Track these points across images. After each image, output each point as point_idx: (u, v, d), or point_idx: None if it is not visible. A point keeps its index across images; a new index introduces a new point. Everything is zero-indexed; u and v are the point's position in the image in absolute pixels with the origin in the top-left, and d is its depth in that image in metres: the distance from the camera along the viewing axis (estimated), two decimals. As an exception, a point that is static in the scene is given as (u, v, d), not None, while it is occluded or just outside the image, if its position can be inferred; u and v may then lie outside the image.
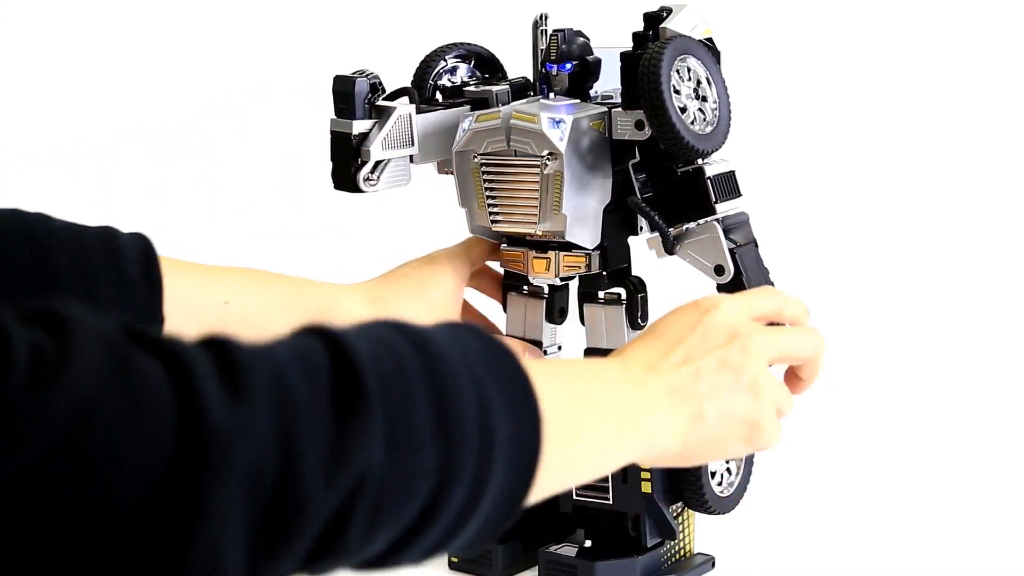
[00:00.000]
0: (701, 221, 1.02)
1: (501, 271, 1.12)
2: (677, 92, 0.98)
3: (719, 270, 1.01)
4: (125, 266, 0.90)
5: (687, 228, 1.02)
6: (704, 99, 1.01)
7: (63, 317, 0.53)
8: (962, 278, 1.68)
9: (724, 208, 1.02)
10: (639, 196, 1.03)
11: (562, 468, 0.72)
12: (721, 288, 1.01)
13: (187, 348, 0.55)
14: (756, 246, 1.03)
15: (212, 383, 0.54)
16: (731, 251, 1.01)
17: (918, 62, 1.83)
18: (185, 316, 0.93)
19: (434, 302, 1.05)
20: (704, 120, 1.00)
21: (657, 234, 1.03)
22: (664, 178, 1.03)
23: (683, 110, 0.99)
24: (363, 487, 0.58)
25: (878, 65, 1.84)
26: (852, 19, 1.86)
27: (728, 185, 1.02)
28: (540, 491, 0.69)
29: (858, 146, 1.80)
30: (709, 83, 1.01)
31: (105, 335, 0.53)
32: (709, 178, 1.01)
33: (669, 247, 1.02)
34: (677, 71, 0.99)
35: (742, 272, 1.01)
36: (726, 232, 1.01)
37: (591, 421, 0.74)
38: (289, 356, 0.59)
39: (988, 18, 1.83)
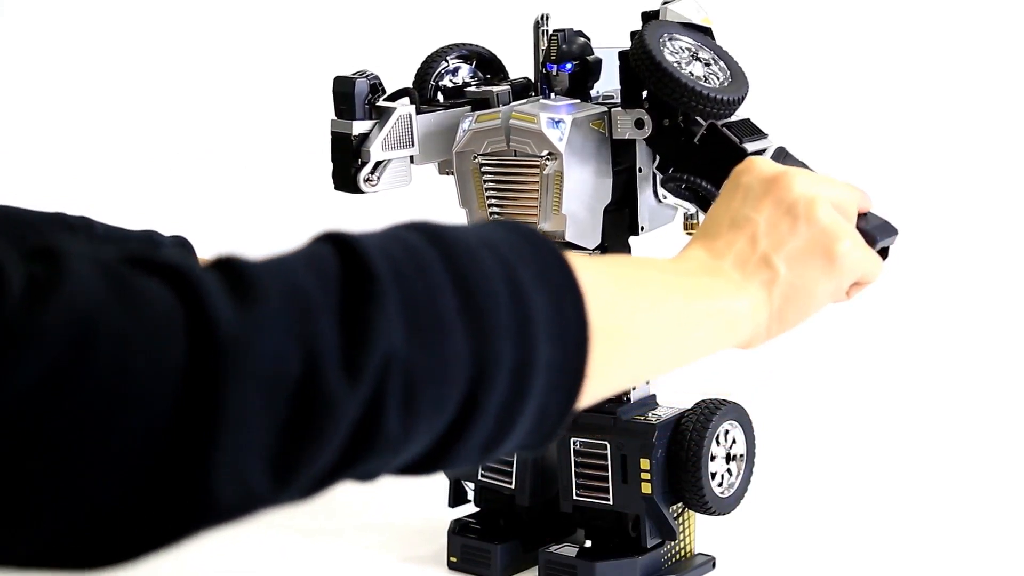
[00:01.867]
0: None
1: None
2: (677, 64, 0.98)
3: None
4: None
5: None
6: (707, 64, 1.00)
7: (57, 248, 0.52)
8: (962, 278, 1.68)
9: (752, 147, 0.99)
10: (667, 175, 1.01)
11: (624, 348, 0.69)
12: None
13: (192, 265, 0.55)
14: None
15: (219, 292, 0.54)
16: None
17: (918, 61, 1.83)
18: None
19: None
20: (718, 79, 0.99)
21: (701, 209, 1.00)
22: (685, 157, 1.01)
23: (691, 75, 0.98)
24: (388, 374, 0.56)
25: (878, 64, 1.84)
26: (853, 16, 1.86)
27: (747, 127, 1.00)
28: (604, 374, 0.66)
29: (858, 144, 1.80)
30: (702, 48, 1.01)
31: (101, 260, 0.53)
32: (724, 126, 0.99)
33: None
34: (667, 47, 0.99)
35: None
36: None
37: (650, 300, 0.72)
38: (297, 259, 0.58)
39: (988, 18, 1.83)
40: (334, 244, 0.59)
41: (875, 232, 0.94)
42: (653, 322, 0.71)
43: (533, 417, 0.62)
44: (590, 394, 0.65)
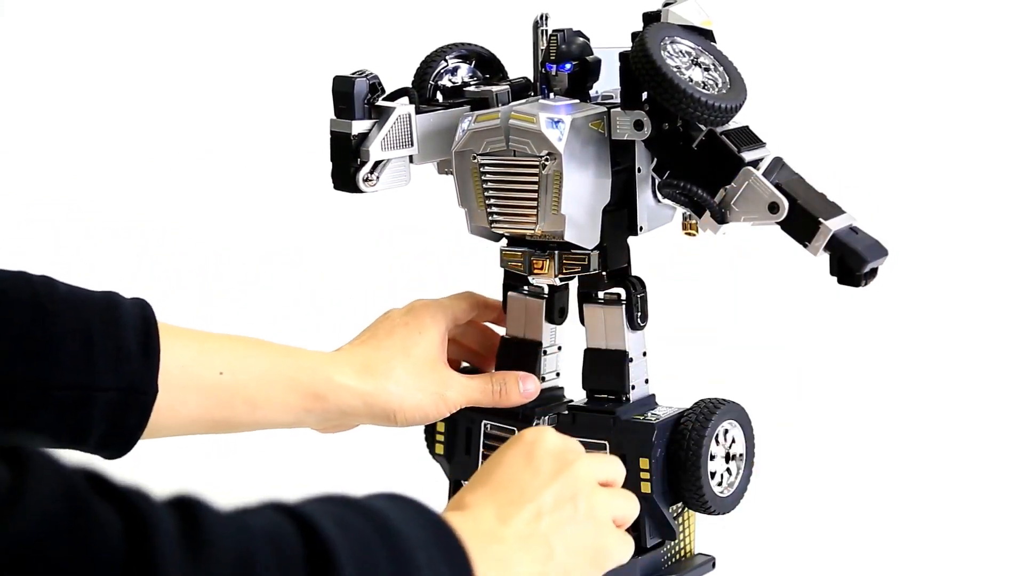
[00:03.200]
0: (736, 178, 0.98)
1: (491, 325, 1.14)
2: (676, 68, 0.98)
3: (773, 208, 0.97)
4: (124, 336, 0.92)
5: (726, 190, 0.99)
6: (707, 69, 1.00)
7: (26, 455, 0.52)
8: (962, 280, 1.68)
9: (750, 155, 0.99)
10: (665, 181, 1.02)
11: None
12: (786, 224, 0.97)
13: (151, 502, 0.54)
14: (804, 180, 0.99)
15: (170, 543, 0.53)
16: (777, 186, 0.97)
17: (918, 69, 1.83)
18: (181, 385, 0.96)
19: (420, 360, 1.05)
20: (716, 85, 0.99)
21: (695, 215, 1.01)
22: (683, 161, 1.01)
23: (689, 80, 0.98)
24: None
25: (878, 72, 1.84)
26: (852, 24, 1.86)
27: (745, 136, 1.00)
28: None
29: (855, 153, 1.80)
30: (703, 53, 1.01)
31: (66, 478, 0.52)
32: (723, 133, 0.99)
33: (719, 215, 0.99)
34: (667, 50, 0.99)
35: (796, 200, 0.97)
36: (765, 175, 0.98)
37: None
38: (258, 527, 0.58)
39: (989, 17, 1.83)
40: (295, 523, 0.60)
41: (865, 253, 0.94)
42: None
43: None
44: None
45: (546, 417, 1.12)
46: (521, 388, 1.09)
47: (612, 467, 0.93)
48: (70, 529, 0.50)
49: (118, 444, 0.94)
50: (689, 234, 1.07)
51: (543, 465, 0.86)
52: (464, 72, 1.12)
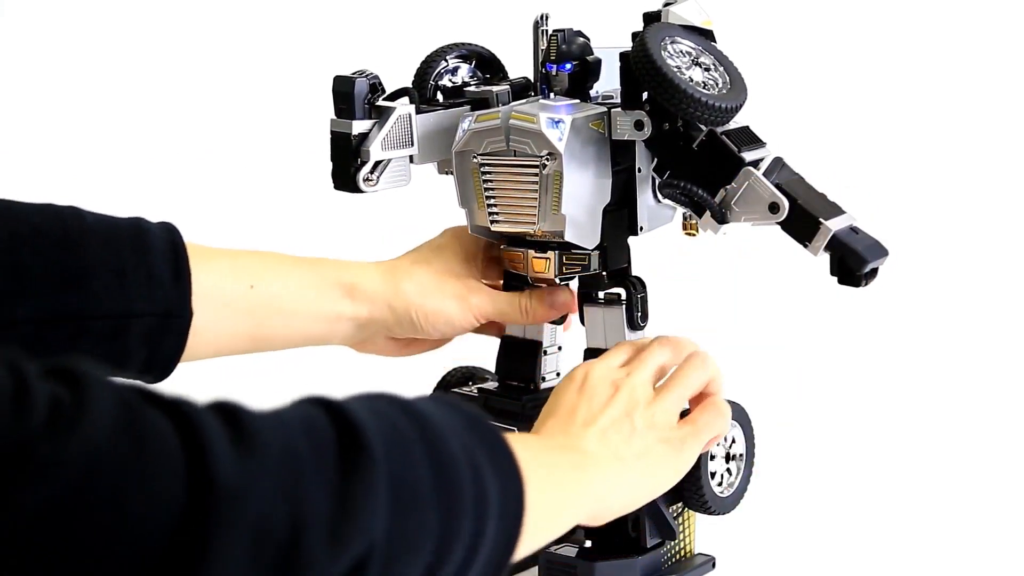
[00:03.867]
0: (737, 178, 0.98)
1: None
2: (677, 68, 0.98)
3: (774, 208, 0.97)
4: (154, 262, 0.94)
5: (727, 190, 0.99)
6: (707, 69, 1.00)
7: (80, 373, 0.55)
8: (961, 280, 1.68)
9: (750, 156, 0.99)
10: (665, 181, 1.02)
11: (538, 525, 0.76)
12: (786, 224, 0.97)
13: (197, 408, 0.57)
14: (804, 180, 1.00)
15: (221, 440, 0.56)
16: (777, 186, 0.97)
17: (918, 69, 1.83)
18: (213, 303, 0.98)
19: (443, 269, 1.08)
20: (716, 85, 0.99)
21: (696, 215, 1.01)
22: (683, 161, 1.01)
23: (690, 80, 0.98)
24: (372, 549, 0.60)
25: (878, 72, 1.84)
26: (852, 25, 1.86)
27: (746, 136, 1.00)
28: (521, 549, 0.72)
29: (856, 152, 1.80)
30: (703, 53, 1.01)
31: (119, 392, 0.55)
32: (723, 134, 0.99)
33: (719, 215, 0.99)
34: (668, 51, 0.99)
35: (796, 200, 0.97)
36: (765, 175, 0.98)
37: (554, 481, 0.82)
38: (294, 420, 0.61)
39: (989, 17, 1.83)
40: (327, 411, 0.63)
41: (865, 253, 0.94)
42: (556, 504, 0.81)
43: None
44: (509, 564, 0.72)
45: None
46: (549, 301, 1.09)
47: (663, 353, 0.98)
48: (132, 435, 0.54)
49: (158, 368, 0.96)
50: (689, 234, 1.07)
51: (596, 392, 0.92)
52: (464, 72, 1.12)
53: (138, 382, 0.59)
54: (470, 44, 1.13)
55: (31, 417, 0.52)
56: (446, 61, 1.11)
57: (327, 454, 0.60)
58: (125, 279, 0.93)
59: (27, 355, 0.55)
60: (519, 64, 1.13)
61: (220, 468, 0.55)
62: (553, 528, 0.82)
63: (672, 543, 1.09)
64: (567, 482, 0.84)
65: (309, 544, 0.57)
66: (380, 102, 1.06)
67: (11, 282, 0.89)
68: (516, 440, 0.76)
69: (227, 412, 0.58)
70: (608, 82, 1.08)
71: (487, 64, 1.13)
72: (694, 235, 1.07)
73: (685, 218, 1.07)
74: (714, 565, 1.12)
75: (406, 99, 1.07)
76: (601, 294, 1.09)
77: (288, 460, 0.58)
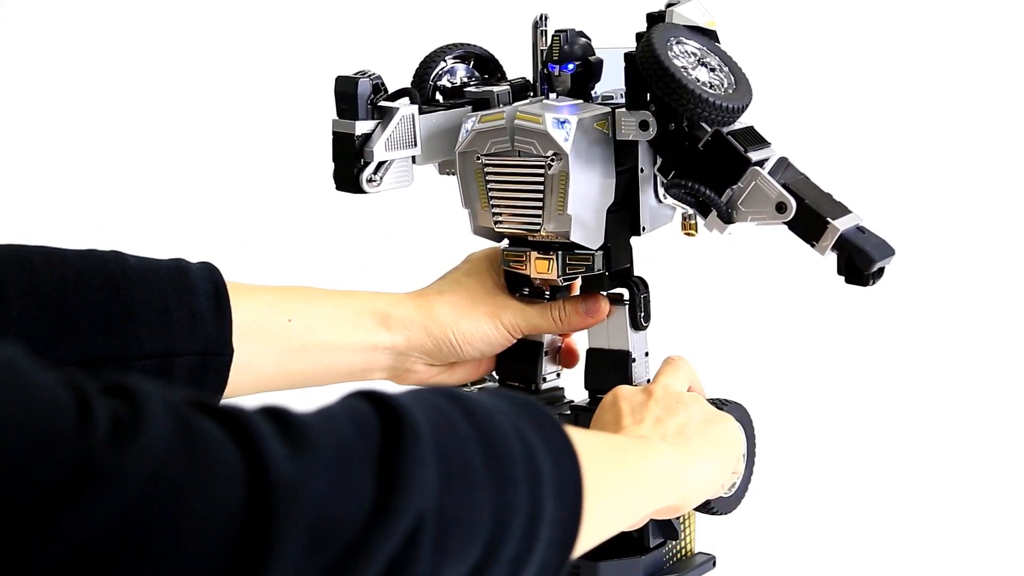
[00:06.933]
0: (743, 178, 0.99)
1: None
2: (683, 68, 0.98)
3: (781, 208, 0.97)
4: (196, 302, 0.97)
5: (733, 190, 0.99)
6: (713, 69, 1.00)
7: (134, 388, 0.57)
8: (961, 280, 1.68)
9: (756, 155, 0.99)
10: (671, 181, 1.02)
11: (603, 507, 0.76)
12: (793, 223, 0.97)
13: (247, 412, 0.59)
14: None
15: (273, 439, 0.58)
16: (784, 185, 0.97)
17: (921, 69, 1.84)
18: (254, 340, 1.00)
19: (472, 290, 1.09)
20: (722, 86, 0.99)
21: (701, 215, 1.01)
22: (689, 162, 1.01)
23: (696, 80, 0.98)
24: (423, 518, 0.61)
25: (882, 72, 1.84)
26: (857, 17, 1.86)
27: (751, 136, 1.00)
28: (588, 533, 0.72)
29: (860, 152, 1.80)
30: (708, 53, 1.01)
31: (172, 404, 0.57)
32: (729, 134, 0.99)
33: (726, 215, 0.99)
34: (673, 51, 0.99)
35: (804, 199, 0.97)
36: (771, 175, 0.98)
37: (615, 461, 0.82)
38: (339, 414, 0.63)
39: (990, 17, 1.83)
40: (370, 400, 0.64)
41: (873, 252, 0.95)
42: (622, 487, 0.82)
43: (537, 568, 0.68)
44: (575, 551, 0.72)
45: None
46: (583, 308, 1.09)
47: (683, 374, 1.01)
48: (189, 443, 0.56)
49: None
50: (688, 234, 1.07)
51: (633, 398, 0.95)
52: (462, 72, 1.12)
53: (187, 391, 0.61)
54: (468, 44, 1.13)
55: (95, 431, 0.54)
56: (444, 62, 1.11)
57: (371, 437, 0.62)
58: (168, 319, 0.95)
59: (85, 375, 0.56)
60: (518, 64, 1.13)
61: (276, 467, 0.57)
62: (623, 512, 0.82)
63: (673, 543, 1.09)
64: (629, 463, 0.84)
65: (364, 527, 0.58)
66: (382, 103, 1.06)
67: (57, 325, 0.91)
68: (569, 427, 0.76)
69: (275, 414, 0.60)
70: (608, 83, 1.08)
71: (485, 64, 1.13)
72: (693, 235, 1.07)
73: (684, 218, 1.07)
74: (714, 564, 1.12)
75: (407, 99, 1.07)
76: (604, 294, 1.09)
77: (339, 451, 0.60)
